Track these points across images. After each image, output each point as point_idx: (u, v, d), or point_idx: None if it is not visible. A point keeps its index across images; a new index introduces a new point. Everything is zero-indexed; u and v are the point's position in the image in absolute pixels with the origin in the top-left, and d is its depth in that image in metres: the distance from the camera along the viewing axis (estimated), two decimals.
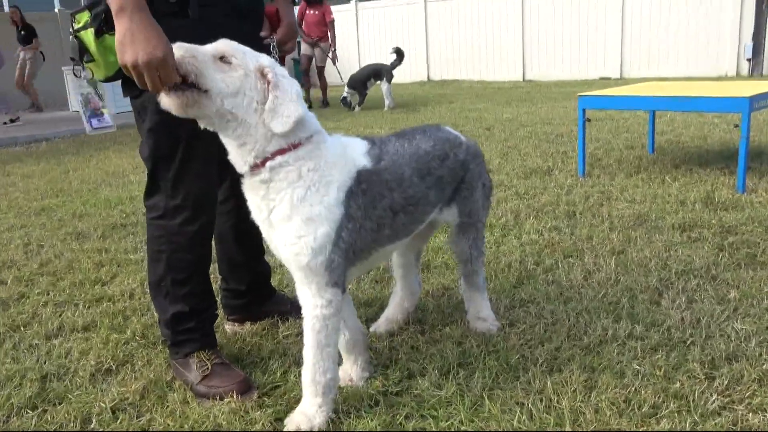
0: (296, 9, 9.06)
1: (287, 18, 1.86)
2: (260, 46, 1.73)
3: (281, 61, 1.84)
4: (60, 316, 2.39)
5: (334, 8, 17.09)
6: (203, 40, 1.54)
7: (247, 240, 2.11)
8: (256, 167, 1.52)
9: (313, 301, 1.59)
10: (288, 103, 1.46)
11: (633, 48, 12.12)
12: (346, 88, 9.31)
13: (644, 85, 4.61)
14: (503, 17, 13.48)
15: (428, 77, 14.85)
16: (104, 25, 1.57)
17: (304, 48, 10.05)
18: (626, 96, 3.91)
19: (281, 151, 1.51)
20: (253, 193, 1.56)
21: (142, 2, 1.48)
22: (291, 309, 2.24)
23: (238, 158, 1.54)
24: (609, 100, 4.01)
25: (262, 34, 1.82)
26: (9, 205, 4.37)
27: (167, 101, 1.45)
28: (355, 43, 15.70)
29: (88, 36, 1.59)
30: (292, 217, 1.52)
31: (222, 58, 1.46)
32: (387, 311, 2.19)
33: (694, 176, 3.91)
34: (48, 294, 2.62)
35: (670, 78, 11.29)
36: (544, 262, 2.64)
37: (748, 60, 10.86)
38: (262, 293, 2.23)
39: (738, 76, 11.01)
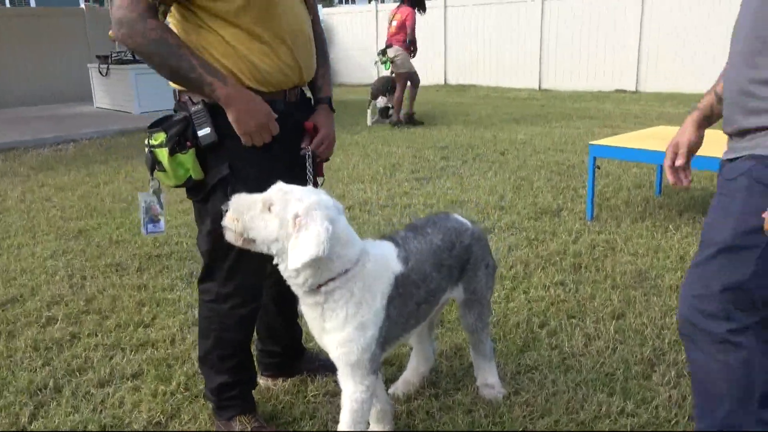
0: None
1: (325, 128, 2.10)
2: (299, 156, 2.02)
3: (319, 169, 2.10)
4: (110, 360, 2.66)
5: (354, 8, 17.27)
6: (268, 157, 1.92)
7: (286, 308, 2.37)
8: (311, 292, 1.76)
9: (353, 387, 1.85)
10: (306, 245, 1.64)
11: (650, 61, 12.24)
12: (380, 99, 8.94)
13: (650, 131, 4.80)
14: (522, 25, 13.62)
15: (445, 81, 15.03)
16: (177, 146, 1.82)
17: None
18: (638, 149, 4.11)
19: (332, 279, 1.75)
20: (309, 309, 1.82)
21: (239, 87, 1.82)
22: (319, 367, 2.51)
23: (293, 283, 1.79)
24: (620, 151, 4.21)
25: (303, 144, 2.06)
26: (48, 223, 4.65)
27: (229, 235, 1.72)
28: (375, 46, 15.90)
29: (163, 153, 1.83)
30: (345, 327, 1.78)
31: (269, 207, 1.69)
32: (405, 374, 2.44)
33: (696, 226, 4.12)
34: (96, 335, 2.89)
35: (686, 93, 11.43)
36: (549, 324, 2.88)
37: None
38: (294, 353, 2.49)
39: None
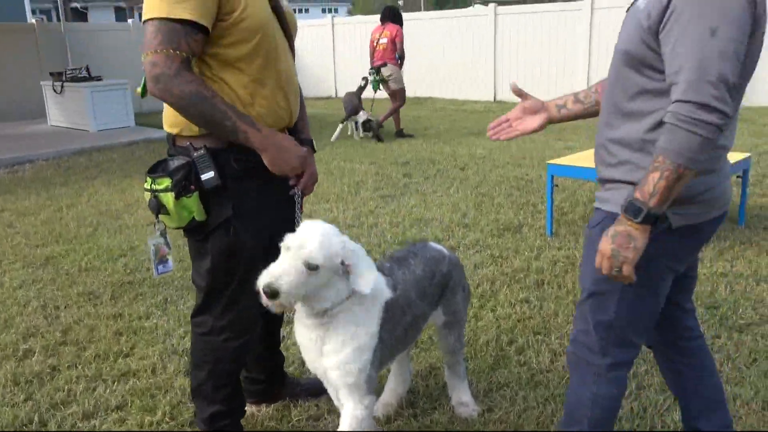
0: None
1: (309, 168, 2.21)
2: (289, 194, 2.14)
3: (301, 200, 2.22)
4: (93, 392, 2.71)
5: (311, 21, 17.33)
6: (265, 195, 2.06)
7: (270, 337, 2.47)
8: (318, 315, 1.88)
9: (353, 407, 1.98)
10: (368, 271, 1.84)
11: (600, 73, 12.67)
12: (361, 113, 9.05)
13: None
14: (476, 37, 13.93)
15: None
16: (182, 190, 1.91)
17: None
18: (594, 168, 4.32)
19: (339, 302, 1.88)
20: (307, 330, 1.94)
21: (271, 133, 1.94)
22: (300, 392, 2.61)
23: (305, 311, 1.91)
24: (577, 170, 4.42)
25: (291, 182, 2.17)
26: (14, 251, 4.62)
27: (277, 309, 1.82)
28: (331, 58, 16.03)
29: (169, 197, 1.91)
30: (344, 349, 1.90)
31: (311, 268, 1.77)
32: (383, 396, 2.55)
33: None
34: (77, 367, 2.93)
35: None
36: (517, 341, 3.03)
37: None
38: (277, 379, 2.58)
39: None
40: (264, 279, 1.75)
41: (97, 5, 36.65)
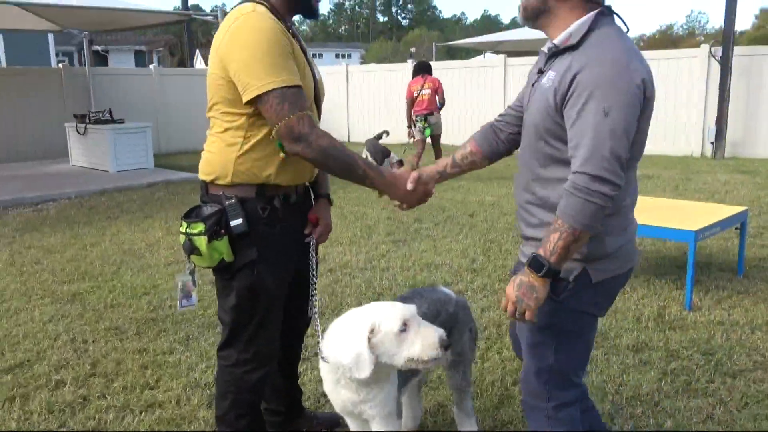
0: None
1: (325, 220, 2.46)
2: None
3: (316, 248, 2.44)
4: (122, 421, 2.89)
5: (328, 68, 17.84)
6: (284, 241, 2.26)
7: (289, 371, 2.67)
8: None
9: (387, 421, 2.19)
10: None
11: None
12: (392, 155, 9.84)
13: None
14: (486, 86, 14.33)
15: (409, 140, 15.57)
16: (214, 235, 2.13)
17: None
18: None
19: None
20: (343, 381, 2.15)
21: (388, 177, 2.22)
22: (317, 425, 2.79)
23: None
24: None
25: (306, 231, 2.40)
26: (42, 287, 4.85)
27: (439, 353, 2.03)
28: (345, 104, 16.47)
29: (202, 241, 2.13)
30: (380, 391, 2.16)
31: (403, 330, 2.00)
32: None
33: (651, 287, 4.53)
34: (106, 398, 3.12)
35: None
36: None
37: (712, 143, 11.71)
38: (295, 412, 2.76)
39: (702, 156, 11.88)
40: (440, 335, 2.00)
41: (118, 49, 37.68)
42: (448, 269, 5.11)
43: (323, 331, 2.22)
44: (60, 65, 13.88)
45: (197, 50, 29.00)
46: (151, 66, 16.79)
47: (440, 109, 9.96)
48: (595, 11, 1.77)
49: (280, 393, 2.70)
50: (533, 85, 1.90)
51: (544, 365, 1.95)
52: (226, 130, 2.18)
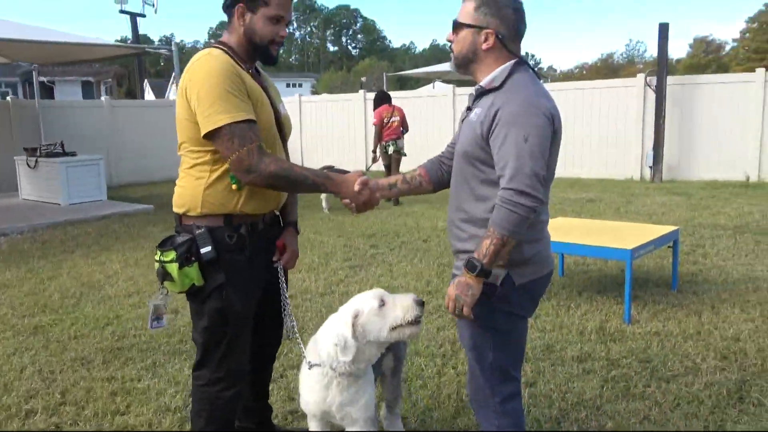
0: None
1: (291, 246, 2.67)
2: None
3: (285, 274, 2.64)
4: None
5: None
6: (254, 266, 2.44)
7: (261, 390, 2.83)
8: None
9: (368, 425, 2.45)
10: None
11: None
12: None
13: (554, 222, 5.59)
14: (437, 111, 14.77)
15: (366, 168, 15.87)
16: (185, 261, 2.31)
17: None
18: None
19: None
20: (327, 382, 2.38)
21: (338, 177, 2.41)
22: None
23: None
24: None
25: (274, 258, 2.60)
26: (2, 321, 4.87)
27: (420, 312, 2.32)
28: (298, 134, 16.67)
29: (173, 267, 2.31)
30: (366, 393, 2.41)
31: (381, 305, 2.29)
32: None
33: (593, 303, 4.85)
34: (78, 424, 3.21)
35: (584, 179, 12.71)
36: None
37: (650, 167, 12.34)
38: (266, 428, 2.92)
39: (642, 180, 12.49)
40: (413, 296, 2.32)
41: (64, 80, 37.11)
42: (404, 292, 5.33)
43: (305, 343, 2.46)
44: (8, 99, 13.73)
45: (146, 81, 28.82)
46: (102, 98, 16.72)
47: (404, 134, 10.75)
48: (513, 61, 2.15)
49: (252, 411, 2.86)
50: (463, 120, 2.27)
51: (486, 363, 2.23)
52: (193, 166, 2.39)
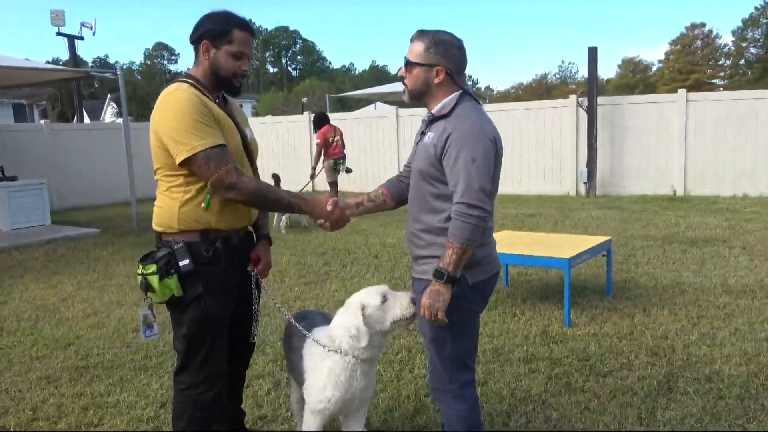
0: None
1: (264, 258, 2.90)
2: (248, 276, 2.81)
3: (258, 283, 2.86)
4: None
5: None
6: (229, 277, 2.64)
7: (234, 396, 3.03)
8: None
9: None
10: None
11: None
12: None
13: (498, 235, 5.95)
14: (379, 136, 15.14)
15: (313, 188, 16.09)
16: (165, 273, 2.51)
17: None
18: None
19: None
20: (363, 377, 2.63)
21: (310, 199, 2.65)
22: None
23: (370, 364, 2.64)
24: None
25: (249, 268, 2.83)
26: None
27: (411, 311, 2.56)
28: None
29: (154, 279, 2.51)
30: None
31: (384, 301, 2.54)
32: None
33: (536, 310, 5.21)
34: None
35: (524, 195, 13.28)
36: (432, 394, 3.70)
37: (585, 183, 12.99)
38: (240, 430, 3.12)
39: (578, 195, 13.13)
40: (410, 295, 2.56)
41: None
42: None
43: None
44: None
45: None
46: (42, 121, 16.43)
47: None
48: (459, 92, 2.49)
49: (227, 415, 3.05)
50: (417, 143, 2.59)
51: (445, 354, 2.52)
52: (169, 188, 2.61)
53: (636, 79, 58.00)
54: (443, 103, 2.47)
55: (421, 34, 2.48)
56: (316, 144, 11.07)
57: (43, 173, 13.51)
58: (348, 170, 11.22)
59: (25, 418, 3.56)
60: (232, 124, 2.66)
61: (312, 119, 11.45)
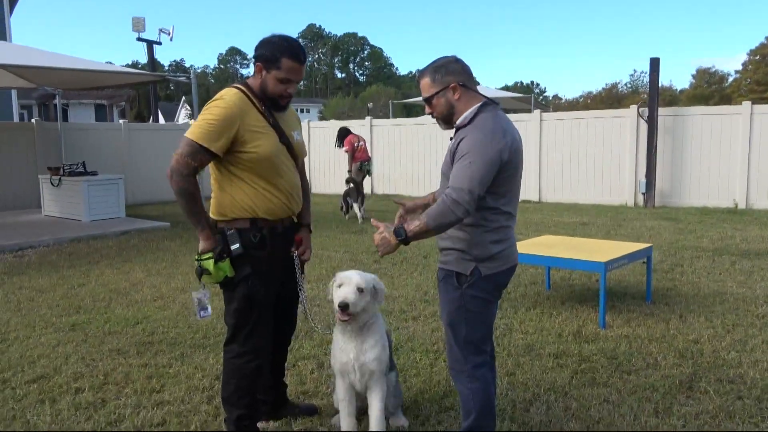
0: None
1: (306, 241, 3.26)
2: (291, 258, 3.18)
3: (302, 268, 3.21)
4: (138, 414, 3.55)
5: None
6: (273, 262, 2.98)
7: (277, 369, 3.39)
8: (360, 327, 2.99)
9: (382, 380, 3.04)
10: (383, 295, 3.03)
11: (549, 176, 14.13)
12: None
13: (541, 239, 6.15)
14: (438, 144, 15.41)
15: (372, 191, 16.51)
16: (218, 257, 2.89)
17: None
18: (529, 254, 5.39)
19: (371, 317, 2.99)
20: (351, 337, 3.00)
21: (206, 233, 2.95)
22: (298, 412, 3.50)
23: (353, 325, 2.97)
24: (525, 257, 5.48)
25: (292, 249, 3.19)
26: (42, 320, 5.44)
27: (341, 316, 2.90)
28: (307, 157, 17.32)
29: (210, 263, 2.89)
30: (376, 346, 3.00)
31: (359, 290, 2.89)
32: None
33: (573, 311, 5.39)
34: (120, 399, 3.77)
35: (581, 204, 13.29)
36: None
37: (643, 194, 12.90)
38: (281, 402, 3.47)
39: (636, 206, 13.04)
40: (338, 300, 2.85)
41: (78, 103, 38.04)
42: (404, 300, 5.89)
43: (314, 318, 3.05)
44: (33, 121, 14.44)
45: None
46: (120, 121, 17.47)
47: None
48: (479, 104, 2.75)
49: (270, 387, 3.41)
50: (449, 148, 2.86)
51: (460, 337, 2.79)
52: (220, 180, 3.00)
53: (711, 90, 56.12)
54: (465, 115, 2.75)
55: (421, 73, 2.81)
56: (345, 151, 12.38)
57: (120, 169, 14.42)
58: (369, 172, 12.68)
59: (97, 382, 4.02)
60: (270, 130, 2.99)
61: (337, 133, 12.72)
